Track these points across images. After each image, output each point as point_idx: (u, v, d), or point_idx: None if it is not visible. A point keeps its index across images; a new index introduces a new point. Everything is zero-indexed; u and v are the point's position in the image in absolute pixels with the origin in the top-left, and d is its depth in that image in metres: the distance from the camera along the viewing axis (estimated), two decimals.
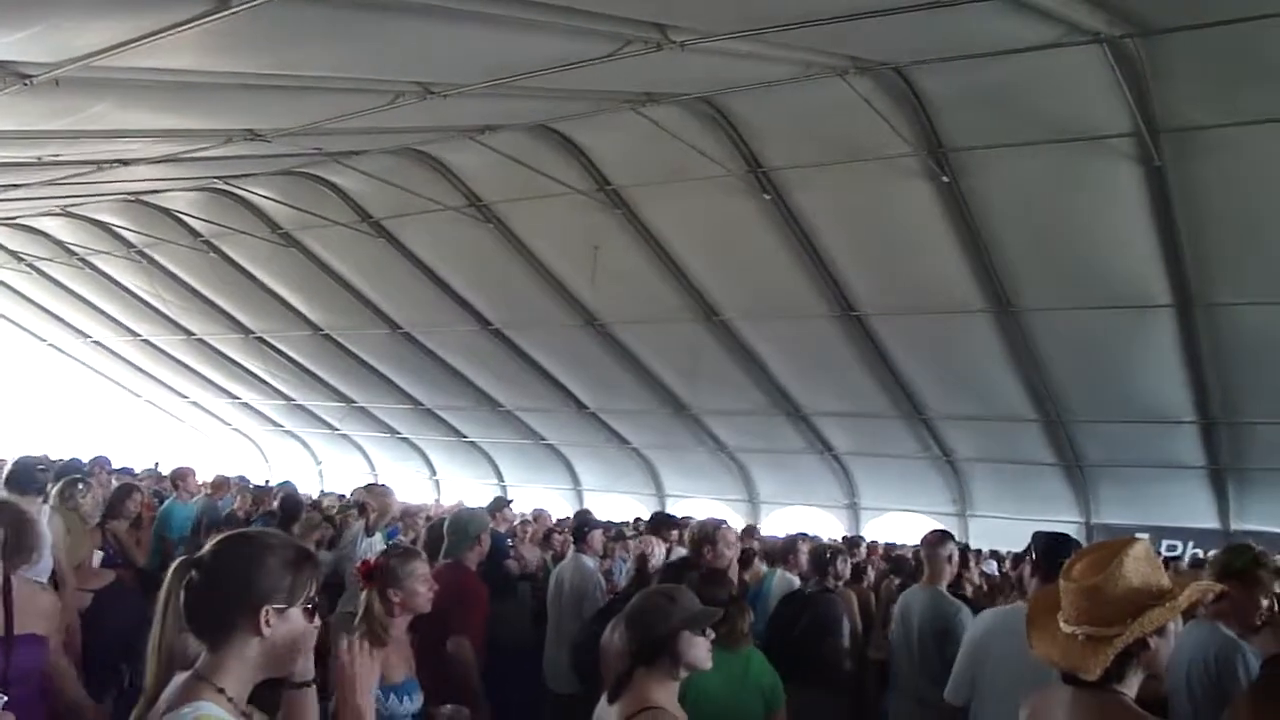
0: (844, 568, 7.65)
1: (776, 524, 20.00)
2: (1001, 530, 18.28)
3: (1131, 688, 2.77)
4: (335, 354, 21.99)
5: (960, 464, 19.51)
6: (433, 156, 14.05)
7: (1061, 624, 2.81)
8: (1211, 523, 17.73)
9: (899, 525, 20.09)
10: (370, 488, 10.13)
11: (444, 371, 21.14)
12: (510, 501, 12.50)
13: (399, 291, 18.57)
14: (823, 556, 7.43)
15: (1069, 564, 2.88)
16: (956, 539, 6.76)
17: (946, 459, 19.39)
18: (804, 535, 9.32)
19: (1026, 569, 5.59)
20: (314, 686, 2.58)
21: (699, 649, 3.54)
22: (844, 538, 15.23)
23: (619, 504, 21.85)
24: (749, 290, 15.66)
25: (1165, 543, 17.85)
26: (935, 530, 6.54)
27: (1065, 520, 18.21)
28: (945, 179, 11.75)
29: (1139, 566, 2.75)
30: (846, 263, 14.19)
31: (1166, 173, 10.91)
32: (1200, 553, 16.00)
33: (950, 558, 6.29)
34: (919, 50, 9.91)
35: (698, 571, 5.62)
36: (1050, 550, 4.83)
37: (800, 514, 20.95)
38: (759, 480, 22.37)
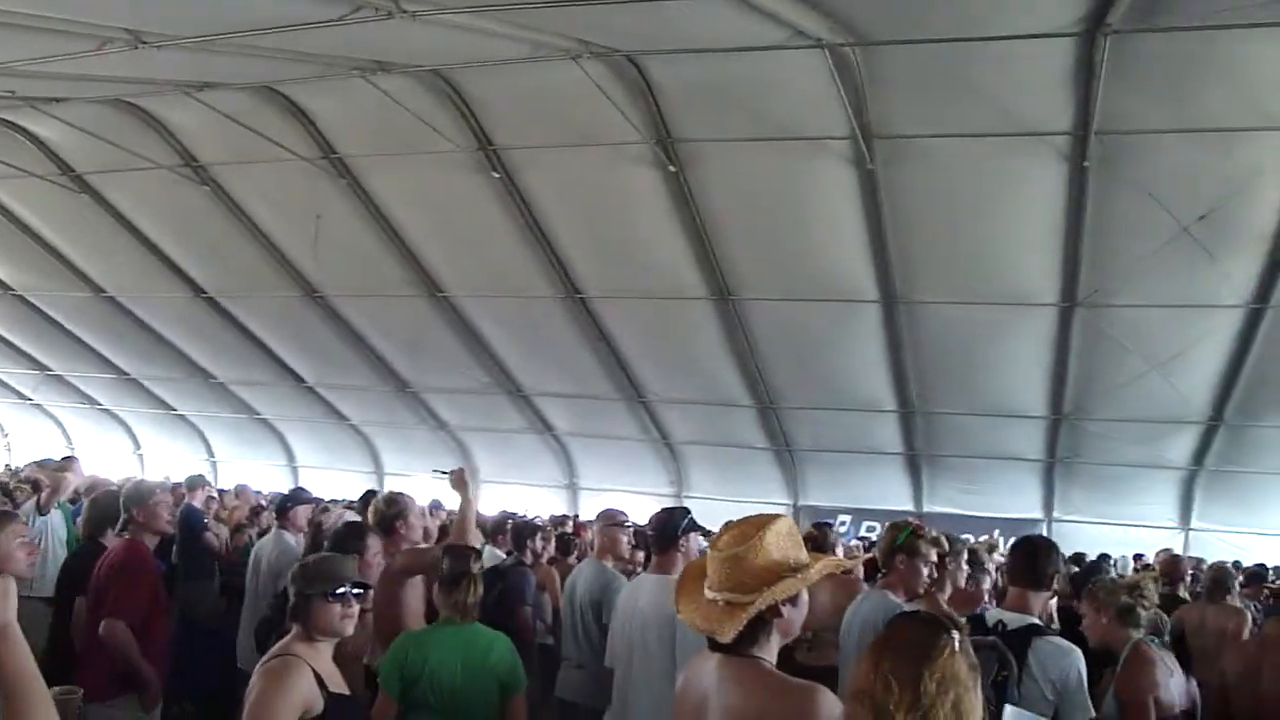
0: (542, 545, 8.04)
1: (494, 503, 19.96)
2: (715, 512, 18.77)
3: (770, 652, 2.97)
4: (28, 317, 20.26)
5: (678, 447, 20.00)
6: (145, 110, 13.20)
7: (706, 590, 2.99)
8: (907, 505, 18.78)
9: (619, 505, 20.36)
10: (43, 463, 9.46)
11: (152, 340, 19.88)
12: (208, 483, 11.92)
13: (103, 252, 17.27)
14: (521, 533, 8.01)
15: (717, 535, 3.07)
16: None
17: (665, 441, 19.84)
18: (511, 515, 9.51)
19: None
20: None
21: (329, 614, 3.78)
22: (551, 516, 15.37)
23: (337, 481, 21.27)
24: (474, 268, 15.54)
25: (865, 524, 18.92)
26: (609, 509, 6.98)
27: (775, 502, 19.00)
28: (672, 168, 12.04)
29: (780, 541, 2.95)
30: (572, 245, 14.32)
31: (878, 177, 11.55)
32: None
33: (618, 535, 6.65)
34: (650, 39, 10.09)
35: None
36: (655, 523, 5.59)
37: (520, 493, 20.91)
38: (479, 459, 22.18)
